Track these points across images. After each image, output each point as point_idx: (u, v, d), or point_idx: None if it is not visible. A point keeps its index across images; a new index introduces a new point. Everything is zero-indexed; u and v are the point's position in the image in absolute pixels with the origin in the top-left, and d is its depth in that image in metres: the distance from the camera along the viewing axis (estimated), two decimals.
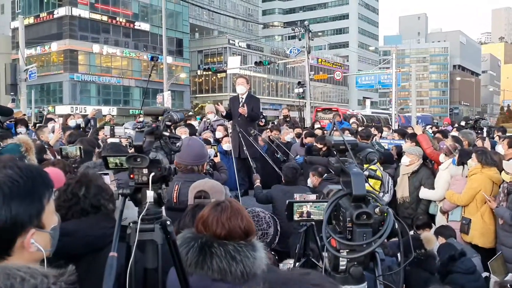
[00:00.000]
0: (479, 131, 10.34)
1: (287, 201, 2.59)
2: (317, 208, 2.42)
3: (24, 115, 12.07)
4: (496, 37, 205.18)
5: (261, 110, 9.33)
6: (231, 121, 8.05)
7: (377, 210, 1.38)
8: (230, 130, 8.00)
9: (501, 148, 6.71)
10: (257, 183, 5.88)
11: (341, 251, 1.43)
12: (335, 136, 1.59)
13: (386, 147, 8.03)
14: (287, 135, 9.19)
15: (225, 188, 3.31)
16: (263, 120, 10.56)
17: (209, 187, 2.94)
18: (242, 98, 7.75)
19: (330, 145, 1.55)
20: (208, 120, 9.96)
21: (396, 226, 1.41)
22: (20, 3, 50.54)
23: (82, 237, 2.08)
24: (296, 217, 2.54)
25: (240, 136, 7.19)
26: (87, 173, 2.51)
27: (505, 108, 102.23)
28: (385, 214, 1.39)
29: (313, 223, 3.17)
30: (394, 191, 6.65)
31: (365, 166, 1.60)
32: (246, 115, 7.55)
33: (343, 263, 1.44)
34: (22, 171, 1.33)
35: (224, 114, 8.11)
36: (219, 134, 8.43)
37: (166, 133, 1.95)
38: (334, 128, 1.91)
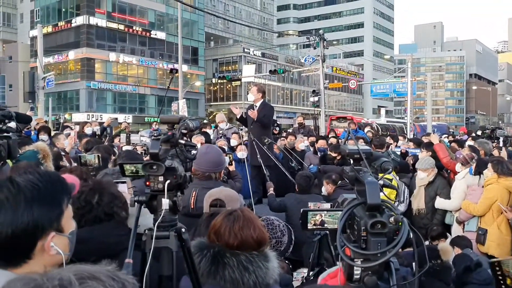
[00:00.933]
0: (495, 141, 10.22)
1: (301, 210, 2.58)
2: (332, 217, 2.41)
3: (46, 122, 12.24)
4: None
5: (275, 118, 9.33)
6: (244, 129, 8.07)
7: (391, 219, 1.38)
8: (245, 138, 8.02)
9: None
10: (271, 191, 5.87)
11: (355, 260, 1.43)
12: (349, 145, 1.60)
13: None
14: (301, 143, 9.18)
15: (239, 196, 3.32)
16: (277, 129, 10.57)
17: (225, 195, 2.95)
18: (256, 106, 7.78)
19: (345, 154, 1.55)
20: (221, 131, 9.97)
21: (411, 236, 1.40)
22: (39, 12, 51.46)
23: (95, 244, 2.09)
24: (310, 225, 2.53)
25: (254, 144, 7.20)
26: (100, 180, 2.53)
27: None
28: (400, 224, 1.38)
29: (327, 232, 3.15)
30: (410, 201, 6.59)
31: (380, 175, 1.60)
32: (255, 119, 7.55)
33: (357, 272, 1.44)
34: (42, 177, 1.36)
35: (238, 117, 8.11)
36: (233, 142, 8.44)
37: (182, 141, 1.97)
38: (349, 137, 1.90)
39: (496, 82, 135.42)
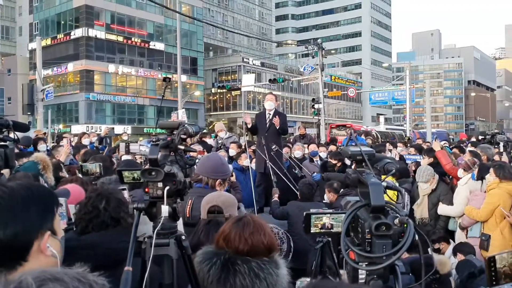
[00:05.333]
0: (496, 146, 10.19)
1: (304, 213, 2.54)
2: (335, 220, 2.37)
3: (45, 133, 12.24)
4: (510, 52, 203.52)
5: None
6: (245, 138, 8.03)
7: (396, 221, 1.34)
8: (243, 146, 7.97)
9: None
10: (275, 197, 5.84)
11: (360, 263, 1.39)
12: (352, 147, 1.56)
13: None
14: (296, 151, 9.11)
15: (240, 205, 3.28)
16: None
17: (222, 201, 2.90)
18: (270, 114, 7.77)
19: (347, 156, 1.52)
20: (220, 140, 9.94)
21: (417, 238, 1.37)
22: (38, 25, 51.71)
23: (103, 250, 2.09)
24: (313, 229, 2.49)
25: (266, 151, 7.18)
26: (107, 186, 2.52)
27: None
28: (405, 225, 1.35)
29: (329, 239, 3.11)
30: (412, 209, 6.54)
31: (383, 177, 1.57)
32: (278, 126, 7.55)
33: (362, 276, 1.41)
34: (33, 183, 1.39)
35: (249, 126, 8.08)
36: (232, 151, 8.41)
37: (181, 147, 1.94)
38: (351, 139, 1.88)
39: (494, 89, 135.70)
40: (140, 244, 1.86)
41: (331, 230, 2.37)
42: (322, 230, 2.43)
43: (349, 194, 5.11)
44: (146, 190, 1.83)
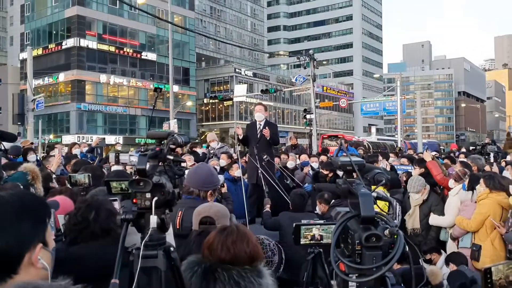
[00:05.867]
0: (486, 157, 10.26)
1: (294, 224, 2.52)
2: (325, 231, 2.36)
3: (32, 143, 12.14)
4: (500, 64, 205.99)
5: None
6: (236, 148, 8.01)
7: (386, 232, 1.33)
8: (235, 157, 7.95)
9: (508, 174, 6.62)
10: (267, 208, 5.81)
11: (350, 275, 1.37)
12: (341, 157, 1.55)
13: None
14: (289, 161, 9.12)
15: (232, 216, 3.25)
16: None
17: (214, 212, 2.88)
18: (260, 125, 7.77)
19: (337, 166, 1.51)
20: (212, 150, 9.92)
21: (407, 249, 1.35)
22: (29, 35, 51.57)
23: (93, 261, 2.08)
24: (303, 241, 2.47)
25: (258, 162, 7.16)
26: (97, 197, 2.51)
27: None
28: (395, 236, 1.34)
29: (321, 250, 3.09)
30: (403, 219, 6.53)
31: (373, 187, 1.56)
32: (268, 137, 7.54)
33: (352, 287, 1.39)
34: (25, 192, 1.37)
35: (241, 137, 8.06)
36: (223, 162, 8.39)
37: (170, 157, 1.92)
38: (341, 149, 1.87)
39: (484, 100, 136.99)
40: (129, 254, 1.84)
41: (321, 241, 2.35)
42: (312, 242, 2.42)
43: (341, 205, 5.10)
44: (134, 201, 1.80)
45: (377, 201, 1.48)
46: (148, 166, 1.82)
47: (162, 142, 1.95)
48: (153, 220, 1.80)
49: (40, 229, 1.31)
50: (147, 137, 2.06)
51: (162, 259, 1.82)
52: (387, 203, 1.56)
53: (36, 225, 1.30)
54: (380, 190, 1.73)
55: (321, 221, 2.95)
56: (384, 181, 1.56)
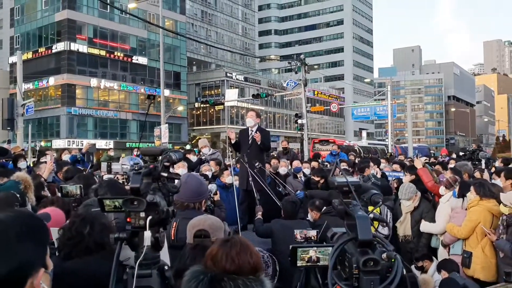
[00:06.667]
0: (476, 162, 10.31)
1: (290, 247, 2.51)
2: (322, 253, 2.35)
3: (22, 149, 12.03)
4: (489, 68, 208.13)
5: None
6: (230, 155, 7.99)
7: (384, 256, 1.32)
8: (228, 162, 7.92)
9: (499, 181, 6.65)
10: (259, 215, 5.79)
11: None
12: (338, 177, 1.55)
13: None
14: (281, 168, 9.09)
15: (224, 224, 3.23)
16: None
17: (209, 225, 2.86)
18: (252, 131, 7.75)
19: (334, 187, 1.50)
20: (204, 156, 9.88)
21: (405, 272, 1.35)
22: (19, 39, 51.19)
23: (87, 276, 2.06)
24: (300, 263, 2.46)
25: (248, 168, 7.14)
26: (91, 211, 2.49)
27: (501, 138, 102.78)
28: (393, 260, 1.33)
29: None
30: (395, 226, 6.55)
31: (370, 208, 1.55)
32: (259, 142, 7.52)
33: None
34: (23, 215, 1.36)
35: (233, 142, 8.03)
36: (212, 169, 8.34)
37: (165, 174, 1.90)
38: (337, 167, 1.86)
39: (474, 104, 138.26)
40: (124, 268, 1.82)
41: (318, 263, 2.35)
42: (309, 264, 2.41)
43: (331, 212, 5.10)
44: (128, 220, 1.78)
45: (374, 222, 1.47)
46: (142, 184, 1.80)
47: (156, 159, 1.93)
48: (147, 238, 1.79)
49: (41, 253, 1.30)
50: (141, 154, 2.04)
51: (156, 279, 1.80)
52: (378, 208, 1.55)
53: (37, 249, 1.29)
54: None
55: (314, 233, 2.94)
56: (381, 203, 1.55)
